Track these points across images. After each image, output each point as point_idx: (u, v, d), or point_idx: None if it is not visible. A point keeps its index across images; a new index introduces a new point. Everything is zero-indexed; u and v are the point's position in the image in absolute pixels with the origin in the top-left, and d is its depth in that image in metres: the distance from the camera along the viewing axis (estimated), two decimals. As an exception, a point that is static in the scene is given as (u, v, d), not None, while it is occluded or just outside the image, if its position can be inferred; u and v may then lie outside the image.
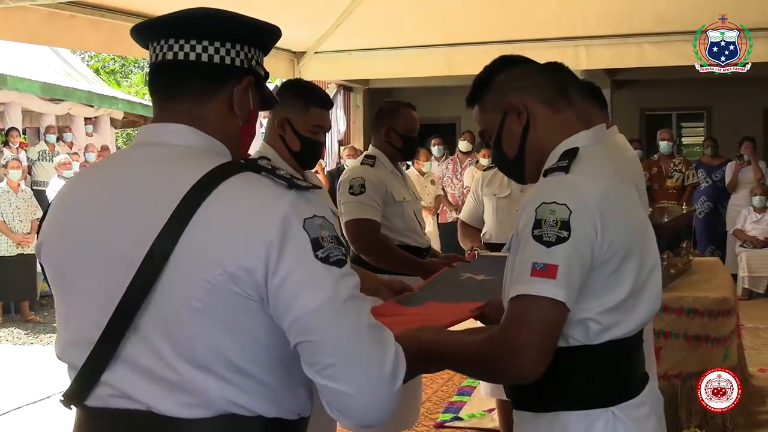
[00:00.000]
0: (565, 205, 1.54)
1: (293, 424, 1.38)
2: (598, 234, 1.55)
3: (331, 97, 3.14)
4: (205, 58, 1.38)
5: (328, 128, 2.93)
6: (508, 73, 1.77)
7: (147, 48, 1.44)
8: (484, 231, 3.96)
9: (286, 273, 1.23)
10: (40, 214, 8.98)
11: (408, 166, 9.34)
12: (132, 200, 1.32)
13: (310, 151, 2.86)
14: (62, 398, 1.41)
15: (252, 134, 1.49)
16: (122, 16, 5.11)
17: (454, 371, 1.97)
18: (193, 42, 1.37)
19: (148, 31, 1.43)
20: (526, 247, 1.55)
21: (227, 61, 1.39)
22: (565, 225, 1.52)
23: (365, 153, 3.63)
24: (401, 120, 3.52)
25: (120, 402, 1.32)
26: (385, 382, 1.27)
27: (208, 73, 1.39)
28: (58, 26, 4.80)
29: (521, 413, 1.73)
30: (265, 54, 1.49)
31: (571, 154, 1.64)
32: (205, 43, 1.38)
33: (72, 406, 1.40)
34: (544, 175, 1.66)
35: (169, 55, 1.39)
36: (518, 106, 1.73)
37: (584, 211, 1.54)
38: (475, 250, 3.45)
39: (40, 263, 1.48)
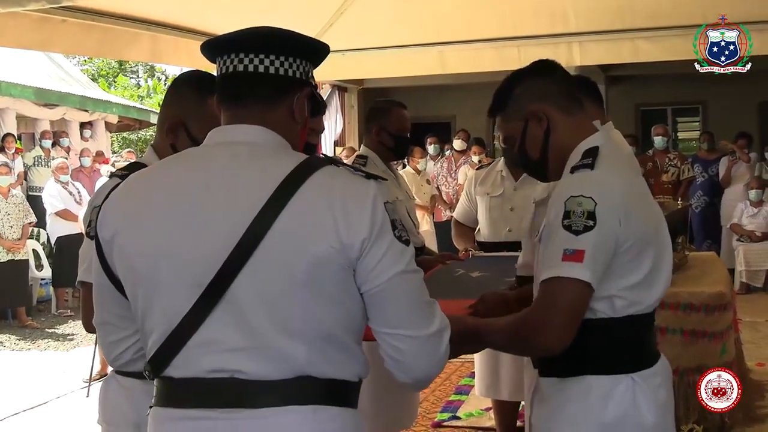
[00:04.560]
0: (591, 198, 1.74)
1: (354, 385, 1.57)
2: (621, 223, 1.75)
3: (325, 98, 3.13)
4: (272, 70, 1.56)
5: (321, 130, 2.92)
6: (525, 84, 1.98)
7: (214, 62, 1.61)
8: (477, 230, 3.96)
9: (376, 247, 1.46)
10: (33, 219, 8.94)
11: (404, 165, 9.35)
12: (227, 188, 1.48)
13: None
14: (147, 370, 1.53)
15: (304, 139, 1.67)
16: (114, 20, 5.07)
17: (494, 349, 2.23)
18: (261, 56, 1.55)
19: (219, 46, 1.60)
20: (556, 236, 1.75)
21: (290, 73, 1.58)
22: (591, 215, 1.72)
23: (357, 153, 3.63)
24: (392, 120, 3.52)
25: (206, 369, 1.45)
26: (433, 339, 1.53)
27: (274, 83, 1.57)
28: (50, 31, 4.75)
29: (546, 380, 1.91)
30: (314, 68, 1.66)
31: (593, 153, 1.85)
32: (272, 57, 1.56)
33: (154, 378, 1.53)
34: (571, 172, 1.85)
35: (240, 67, 1.56)
36: (539, 114, 1.94)
37: (608, 203, 1.75)
38: (469, 250, 3.44)
39: (93, 251, 1.59)
